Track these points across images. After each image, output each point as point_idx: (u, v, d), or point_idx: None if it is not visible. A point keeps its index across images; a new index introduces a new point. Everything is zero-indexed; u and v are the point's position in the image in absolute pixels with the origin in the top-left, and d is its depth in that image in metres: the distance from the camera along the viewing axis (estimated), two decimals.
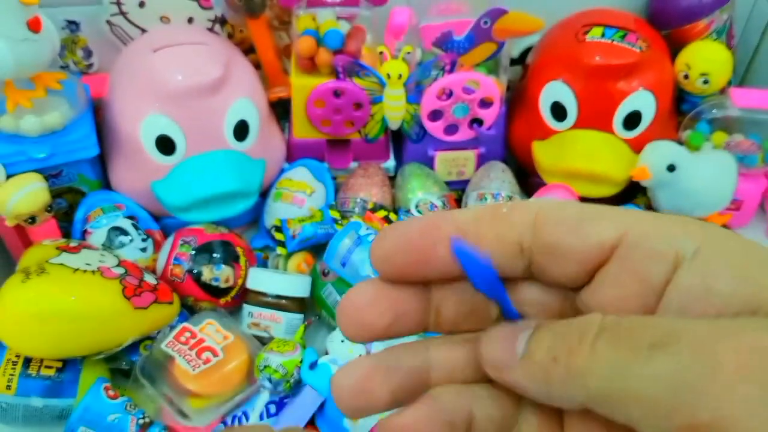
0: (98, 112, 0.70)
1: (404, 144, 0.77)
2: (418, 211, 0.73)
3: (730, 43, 0.79)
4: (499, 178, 0.75)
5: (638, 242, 0.17)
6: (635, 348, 0.16)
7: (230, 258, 0.67)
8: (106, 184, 0.72)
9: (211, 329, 0.62)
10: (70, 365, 0.60)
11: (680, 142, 0.73)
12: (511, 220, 0.19)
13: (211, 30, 0.74)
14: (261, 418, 0.60)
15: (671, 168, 0.69)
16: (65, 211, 0.70)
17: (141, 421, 0.58)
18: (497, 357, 0.19)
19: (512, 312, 0.20)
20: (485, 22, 0.68)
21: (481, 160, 0.77)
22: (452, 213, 0.19)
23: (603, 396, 0.16)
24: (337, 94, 0.70)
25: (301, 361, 0.60)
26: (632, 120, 0.71)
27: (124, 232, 0.68)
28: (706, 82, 0.73)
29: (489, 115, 0.73)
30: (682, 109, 0.77)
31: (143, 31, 0.72)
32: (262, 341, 0.64)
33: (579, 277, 0.19)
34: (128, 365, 0.63)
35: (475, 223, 0.19)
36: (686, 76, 0.74)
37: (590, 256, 0.18)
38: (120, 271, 0.61)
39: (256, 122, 0.69)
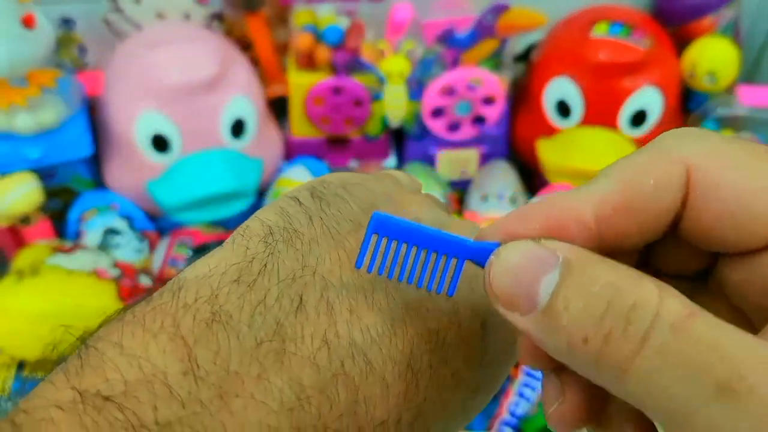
0: (93, 111, 0.69)
1: (405, 142, 0.76)
2: None
3: (737, 39, 0.77)
4: (503, 177, 0.74)
5: None
6: (696, 379, 0.13)
7: None
8: (101, 184, 0.71)
9: None
10: None
11: None
12: (657, 203, 0.16)
13: (208, 26, 0.72)
14: None
15: None
16: (59, 211, 0.69)
17: None
18: (510, 295, 0.15)
19: (476, 250, 0.16)
20: (488, 19, 0.67)
21: (484, 159, 0.76)
22: (587, 197, 0.16)
23: (640, 402, 0.14)
24: (336, 91, 0.69)
25: None
26: (639, 118, 0.70)
27: (119, 233, 0.67)
28: (712, 80, 0.72)
29: (492, 113, 0.72)
30: (688, 108, 0.75)
31: (139, 27, 0.71)
32: None
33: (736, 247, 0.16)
34: None
35: (614, 213, 0.16)
36: (693, 74, 0.72)
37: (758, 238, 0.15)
38: (115, 273, 0.60)
39: (253, 120, 0.68)
